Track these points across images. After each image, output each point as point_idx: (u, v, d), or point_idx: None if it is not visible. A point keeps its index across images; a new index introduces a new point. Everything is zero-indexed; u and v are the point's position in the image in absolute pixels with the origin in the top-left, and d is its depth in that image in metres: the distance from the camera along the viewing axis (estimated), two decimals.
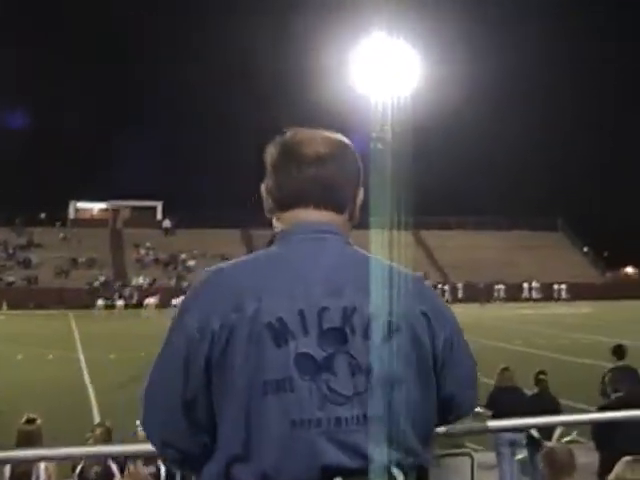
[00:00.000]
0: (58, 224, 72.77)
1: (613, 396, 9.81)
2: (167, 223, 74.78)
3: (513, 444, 11.77)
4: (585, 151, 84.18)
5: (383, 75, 59.23)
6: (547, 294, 67.92)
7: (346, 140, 2.60)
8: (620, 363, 12.65)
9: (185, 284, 61.10)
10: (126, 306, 58.68)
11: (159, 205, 79.87)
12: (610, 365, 12.92)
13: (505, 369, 13.00)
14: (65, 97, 79.66)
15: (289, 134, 2.57)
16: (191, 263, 67.47)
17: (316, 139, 2.53)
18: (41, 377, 24.38)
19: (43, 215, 72.78)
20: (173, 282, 63.81)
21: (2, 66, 74.44)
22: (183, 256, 68.52)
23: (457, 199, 75.47)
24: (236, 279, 2.28)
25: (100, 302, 58.15)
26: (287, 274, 2.29)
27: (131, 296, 60.88)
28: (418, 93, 60.06)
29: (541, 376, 12.79)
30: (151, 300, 58.54)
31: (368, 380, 2.19)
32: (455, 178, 75.52)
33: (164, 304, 57.24)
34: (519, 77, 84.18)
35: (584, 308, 57.06)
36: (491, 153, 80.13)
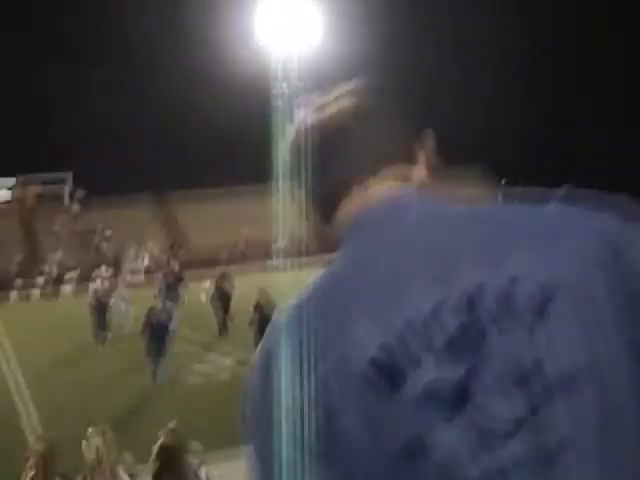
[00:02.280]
0: None
1: None
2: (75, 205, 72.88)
3: None
4: None
5: (285, 30, 58.79)
6: None
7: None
8: None
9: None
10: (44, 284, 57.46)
11: (69, 177, 77.30)
12: None
13: None
14: None
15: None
16: (108, 233, 66.14)
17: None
18: None
19: None
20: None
21: None
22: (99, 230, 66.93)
23: None
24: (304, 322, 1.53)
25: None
26: (375, 278, 1.54)
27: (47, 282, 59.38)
28: (321, 49, 59.52)
29: None
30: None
31: (548, 393, 1.34)
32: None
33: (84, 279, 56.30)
34: (430, 27, 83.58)
35: None
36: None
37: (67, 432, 15.55)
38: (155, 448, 6.69)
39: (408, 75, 76.97)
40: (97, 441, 6.69)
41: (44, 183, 76.31)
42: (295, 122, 1.93)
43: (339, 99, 1.93)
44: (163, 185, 71.30)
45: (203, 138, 75.96)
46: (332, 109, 1.89)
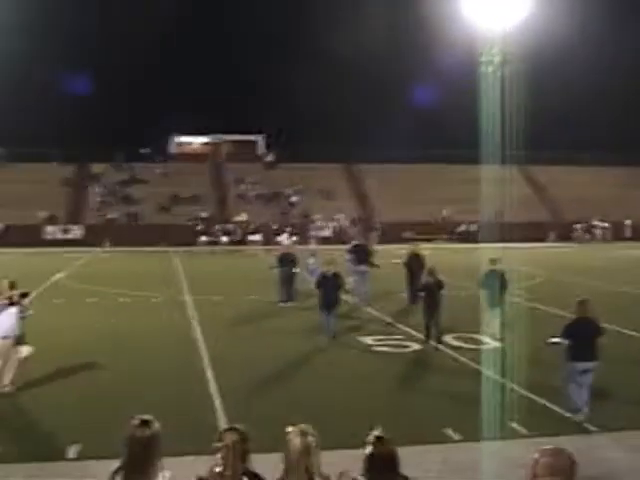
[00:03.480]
0: (159, 159, 72.26)
1: None
2: (270, 157, 73.60)
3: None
4: None
5: (494, 3, 57.53)
6: None
7: None
8: None
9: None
10: (230, 243, 57.96)
11: (260, 139, 78.79)
12: None
13: (583, 301, 13.65)
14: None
15: None
16: (294, 199, 66.43)
17: None
18: (146, 324, 23.48)
19: (144, 150, 72.31)
20: (276, 218, 62.64)
21: None
22: (287, 191, 67.31)
23: (570, 132, 72.29)
24: None
25: (203, 239, 57.65)
26: None
27: (235, 232, 60.01)
28: (529, 21, 58.00)
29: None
30: (255, 237, 58.00)
31: None
32: (569, 110, 72.23)
33: (267, 241, 56.81)
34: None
35: None
36: (606, 84, 76.67)
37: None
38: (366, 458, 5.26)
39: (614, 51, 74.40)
40: (299, 442, 5.38)
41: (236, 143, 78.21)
42: None
43: None
44: (354, 157, 71.38)
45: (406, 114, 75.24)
46: None
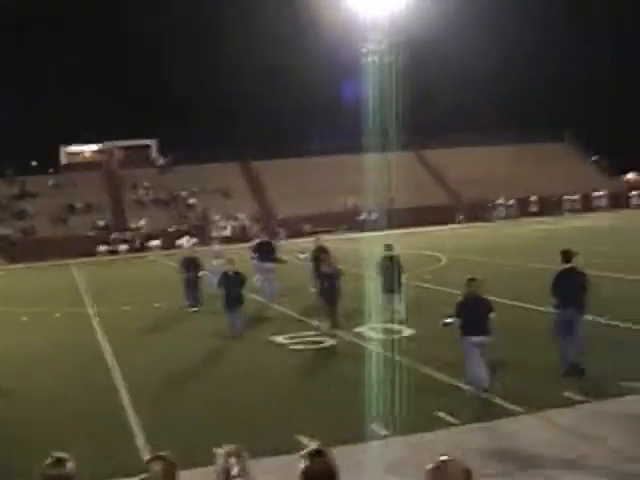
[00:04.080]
0: (50, 171, 70.70)
1: None
2: (162, 161, 72.66)
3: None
4: (585, 62, 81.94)
5: None
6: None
7: None
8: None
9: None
10: (129, 250, 57.03)
11: (153, 143, 77.79)
12: None
13: (471, 280, 14.32)
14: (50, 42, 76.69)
15: None
16: (192, 201, 65.67)
17: None
18: (50, 341, 22.71)
19: (34, 163, 70.70)
20: (175, 222, 61.91)
21: None
22: (183, 194, 66.52)
23: (461, 115, 73.28)
24: None
25: (102, 248, 56.61)
26: None
27: (133, 239, 59.05)
28: (412, 7, 58.48)
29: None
30: (154, 242, 57.22)
31: None
32: (456, 94, 73.13)
33: (167, 246, 56.07)
34: None
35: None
36: (492, 66, 78.01)
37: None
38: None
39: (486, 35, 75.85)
40: (227, 463, 5.01)
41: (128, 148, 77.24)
42: None
43: None
44: (248, 154, 71.14)
45: (290, 107, 75.45)
46: None
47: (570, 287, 14.77)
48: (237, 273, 21.82)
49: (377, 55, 57.10)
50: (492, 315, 13.90)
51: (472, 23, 72.06)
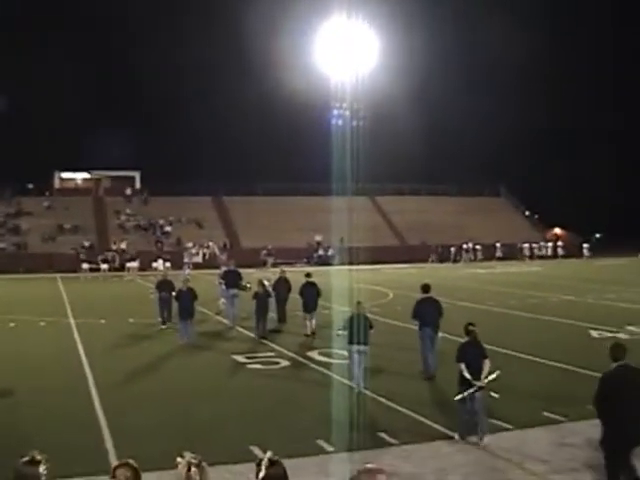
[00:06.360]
0: (46, 194, 70.30)
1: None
2: (144, 194, 72.17)
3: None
4: (522, 123, 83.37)
5: (343, 55, 58.33)
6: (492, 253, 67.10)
7: None
8: None
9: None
10: (109, 269, 56.57)
11: (137, 175, 77.75)
12: None
13: (358, 302, 16.79)
14: (48, 77, 76.28)
15: None
16: (168, 228, 65.63)
17: None
18: (34, 347, 22.46)
19: (31, 186, 70.31)
20: (152, 246, 61.73)
21: None
22: (161, 222, 66.39)
23: (411, 168, 74.23)
24: None
25: (85, 266, 56.09)
26: None
27: (114, 260, 58.64)
28: (375, 71, 59.25)
29: (470, 327, 13.20)
30: (133, 264, 56.81)
31: None
32: (409, 149, 73.96)
33: (144, 267, 55.86)
34: (467, 54, 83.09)
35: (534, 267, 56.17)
36: (441, 126, 79.23)
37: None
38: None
39: (462, 96, 76.92)
40: (188, 472, 4.91)
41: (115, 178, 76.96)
42: None
43: None
44: (221, 191, 71.28)
45: (268, 153, 76.39)
46: None
47: (427, 311, 17.67)
48: (190, 289, 23.58)
49: (341, 116, 57.90)
50: (371, 331, 16.30)
51: (420, 95, 73.40)
